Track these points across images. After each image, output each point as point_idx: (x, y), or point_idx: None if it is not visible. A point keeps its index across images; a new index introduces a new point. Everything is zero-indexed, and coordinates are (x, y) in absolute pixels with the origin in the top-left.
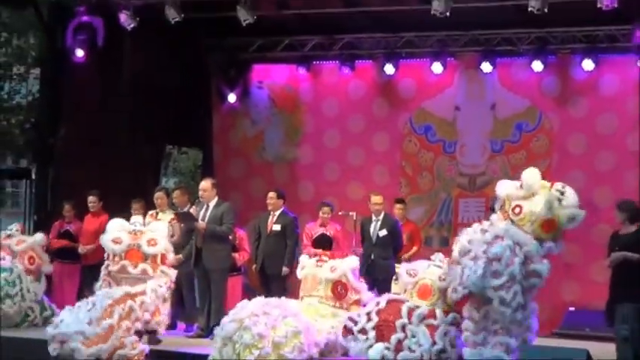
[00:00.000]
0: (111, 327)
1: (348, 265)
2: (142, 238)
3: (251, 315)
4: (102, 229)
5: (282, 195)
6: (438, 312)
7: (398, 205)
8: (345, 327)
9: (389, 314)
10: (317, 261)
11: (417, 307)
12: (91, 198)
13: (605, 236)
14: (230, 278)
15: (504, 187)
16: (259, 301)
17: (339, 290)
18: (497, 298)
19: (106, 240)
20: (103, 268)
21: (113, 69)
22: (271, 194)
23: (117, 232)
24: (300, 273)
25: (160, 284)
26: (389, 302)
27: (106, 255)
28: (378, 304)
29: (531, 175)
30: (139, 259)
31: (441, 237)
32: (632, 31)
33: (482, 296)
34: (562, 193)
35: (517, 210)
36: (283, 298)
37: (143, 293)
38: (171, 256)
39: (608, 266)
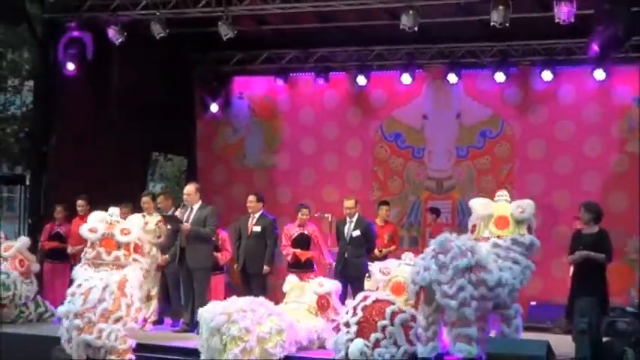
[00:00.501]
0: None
1: (334, 286)
2: (116, 228)
3: (239, 310)
4: None
5: (262, 198)
6: (420, 318)
7: (384, 207)
8: (322, 303)
9: (373, 313)
10: (301, 280)
11: (402, 311)
12: (79, 202)
13: (564, 235)
14: (213, 277)
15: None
16: (247, 298)
17: (322, 303)
18: (440, 291)
19: (83, 229)
20: (82, 255)
21: (102, 81)
22: (251, 197)
23: (94, 222)
24: (286, 287)
25: (134, 271)
26: (375, 301)
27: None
28: (365, 298)
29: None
30: (112, 247)
31: (410, 237)
32: (588, 44)
33: (431, 291)
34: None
35: (473, 229)
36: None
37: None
38: (147, 247)
39: (570, 263)
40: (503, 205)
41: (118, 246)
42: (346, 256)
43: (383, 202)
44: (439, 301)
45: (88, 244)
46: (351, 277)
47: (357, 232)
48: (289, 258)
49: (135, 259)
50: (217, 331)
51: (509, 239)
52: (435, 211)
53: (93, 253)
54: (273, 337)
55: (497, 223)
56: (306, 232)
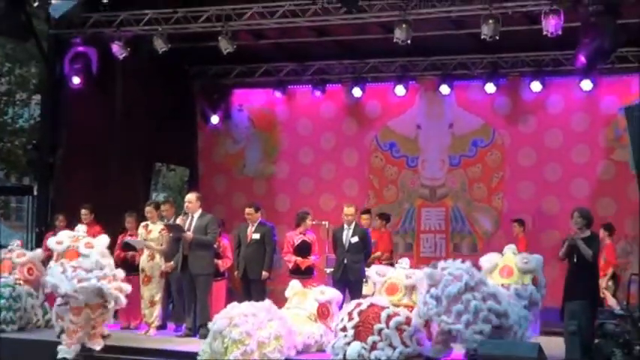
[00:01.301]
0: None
1: (335, 295)
2: (81, 242)
3: (241, 314)
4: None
5: (259, 208)
6: (414, 320)
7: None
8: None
9: (369, 317)
10: (303, 287)
11: (396, 314)
12: (83, 211)
13: (554, 240)
14: (215, 283)
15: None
16: (250, 303)
17: (322, 311)
18: (443, 322)
19: (50, 241)
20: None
21: (107, 94)
22: (249, 210)
23: (62, 236)
24: (288, 292)
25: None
26: (370, 305)
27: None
28: (359, 304)
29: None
30: (75, 258)
31: (405, 243)
32: (575, 55)
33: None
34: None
35: None
36: (268, 301)
37: None
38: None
39: (562, 259)
40: (508, 256)
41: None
42: (345, 262)
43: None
44: (445, 328)
45: (54, 255)
46: (350, 283)
47: (355, 239)
48: (290, 265)
49: None
50: (219, 334)
51: (512, 288)
52: (384, 217)
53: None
54: (272, 342)
55: (501, 272)
56: (307, 240)
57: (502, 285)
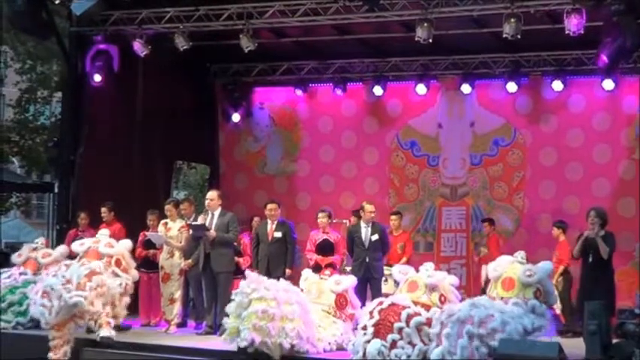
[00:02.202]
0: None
1: (350, 282)
2: (102, 242)
3: (272, 284)
4: (115, 237)
5: (280, 204)
6: (434, 321)
7: (393, 217)
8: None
9: (389, 315)
10: (320, 278)
11: (417, 314)
12: (102, 209)
13: (574, 241)
14: (235, 280)
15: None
16: (284, 283)
17: (340, 301)
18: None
19: (74, 245)
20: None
21: (128, 92)
22: (272, 206)
23: (85, 240)
24: (303, 284)
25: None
26: (391, 304)
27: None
28: (381, 303)
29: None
30: (94, 258)
31: (426, 242)
32: (597, 55)
33: None
34: (522, 258)
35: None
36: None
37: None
38: (131, 264)
39: (576, 257)
40: (513, 266)
41: (100, 257)
42: (367, 260)
43: (393, 212)
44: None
45: (77, 256)
46: (372, 280)
47: (375, 237)
48: (312, 262)
49: (114, 272)
50: (246, 293)
51: (511, 302)
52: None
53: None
54: (295, 322)
55: (503, 284)
56: (329, 239)
57: (502, 298)
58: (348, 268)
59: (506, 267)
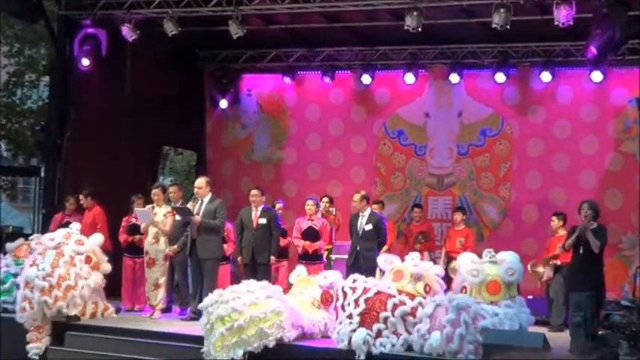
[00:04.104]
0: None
1: (336, 277)
2: (72, 238)
3: (232, 292)
4: (95, 222)
5: (263, 192)
6: (423, 308)
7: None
8: (326, 297)
9: (375, 305)
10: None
11: (402, 303)
12: (80, 196)
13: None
14: (220, 267)
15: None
16: (246, 282)
17: (326, 297)
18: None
19: (44, 238)
20: None
21: (115, 76)
22: (255, 192)
23: (57, 234)
24: (293, 278)
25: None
26: (377, 293)
27: None
28: (366, 291)
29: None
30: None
31: None
32: (586, 46)
33: None
34: (493, 256)
35: (463, 290)
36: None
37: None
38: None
39: (567, 249)
40: (490, 267)
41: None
42: (358, 249)
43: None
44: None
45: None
46: (362, 270)
47: (369, 226)
48: (299, 250)
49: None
50: (206, 312)
51: (502, 304)
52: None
53: None
54: (270, 317)
55: (488, 289)
56: (314, 226)
57: (491, 302)
58: (334, 257)
59: (484, 270)
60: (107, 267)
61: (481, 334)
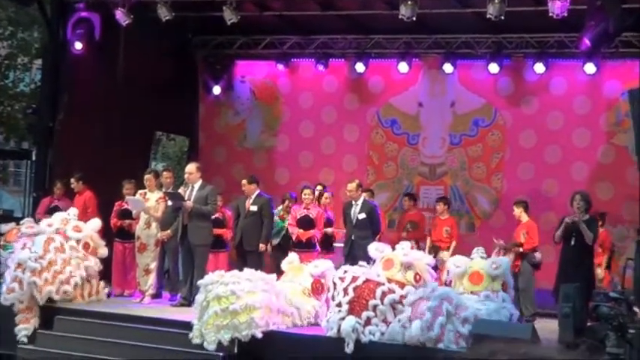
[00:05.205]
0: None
1: (328, 266)
2: (70, 225)
3: (233, 276)
4: (86, 206)
5: (254, 180)
6: (406, 298)
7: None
8: (316, 286)
9: (364, 293)
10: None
11: (392, 291)
12: (71, 180)
13: (551, 222)
14: (218, 254)
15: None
16: (249, 270)
17: (317, 286)
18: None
19: (43, 223)
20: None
21: (108, 61)
22: (243, 182)
23: (54, 218)
24: (285, 266)
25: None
26: (366, 281)
27: None
28: (355, 279)
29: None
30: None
31: None
32: (579, 38)
33: None
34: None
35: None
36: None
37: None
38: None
39: (557, 242)
40: (477, 261)
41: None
42: (353, 238)
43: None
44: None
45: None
46: (357, 259)
47: (362, 215)
48: (294, 237)
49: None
50: (204, 289)
51: (482, 295)
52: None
53: None
54: (263, 309)
55: (471, 279)
56: (309, 215)
57: (472, 292)
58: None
59: (468, 262)
60: (104, 251)
61: (463, 324)
